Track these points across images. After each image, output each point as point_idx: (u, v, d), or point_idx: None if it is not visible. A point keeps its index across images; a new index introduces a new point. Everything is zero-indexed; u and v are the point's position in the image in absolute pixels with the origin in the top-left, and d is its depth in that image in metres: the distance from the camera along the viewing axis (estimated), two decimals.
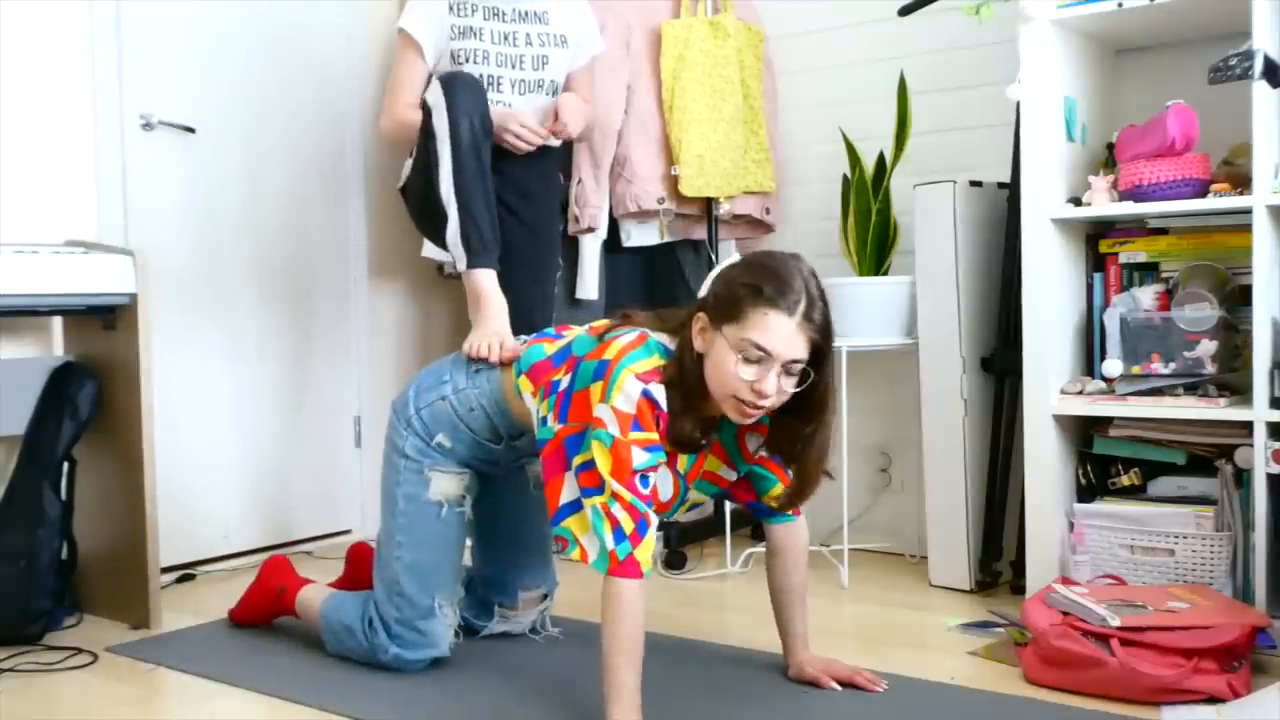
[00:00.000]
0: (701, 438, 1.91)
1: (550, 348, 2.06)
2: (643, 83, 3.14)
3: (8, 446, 2.62)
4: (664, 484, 1.92)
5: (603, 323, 2.04)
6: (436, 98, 2.42)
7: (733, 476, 2.07)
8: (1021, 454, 2.57)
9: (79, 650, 2.37)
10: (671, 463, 1.91)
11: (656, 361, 1.86)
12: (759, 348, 1.77)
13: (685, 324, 1.87)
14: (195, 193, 3.10)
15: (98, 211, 2.88)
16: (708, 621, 2.55)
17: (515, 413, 2.11)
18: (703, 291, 1.91)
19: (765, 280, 1.79)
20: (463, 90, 2.43)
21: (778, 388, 1.79)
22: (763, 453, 2.04)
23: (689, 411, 1.86)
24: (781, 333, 1.77)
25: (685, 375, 1.85)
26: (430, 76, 2.63)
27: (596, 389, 1.85)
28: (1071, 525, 2.49)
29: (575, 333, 2.09)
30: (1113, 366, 2.45)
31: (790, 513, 2.10)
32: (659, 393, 1.84)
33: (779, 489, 2.05)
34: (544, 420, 1.97)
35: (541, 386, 2.01)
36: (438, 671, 2.19)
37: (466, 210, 2.41)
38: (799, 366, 1.80)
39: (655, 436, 1.83)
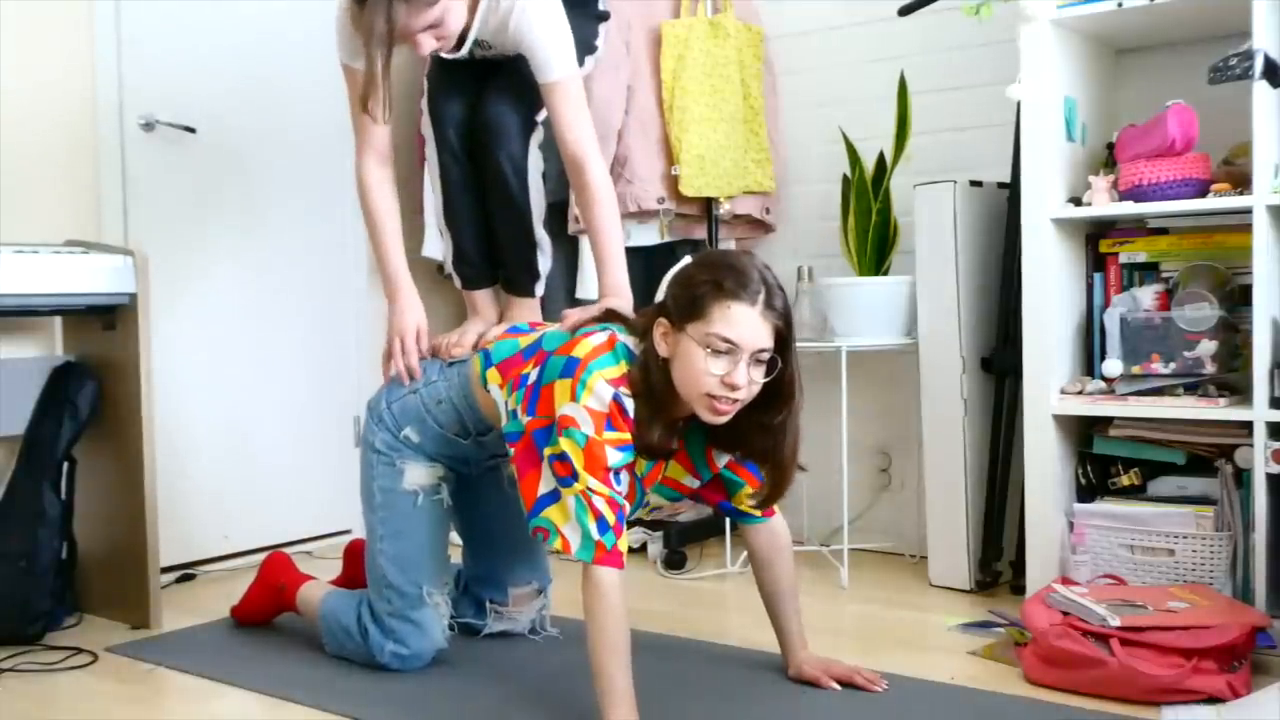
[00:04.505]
0: (670, 443, 1.91)
1: (523, 341, 2.07)
2: (643, 83, 3.14)
3: (8, 446, 2.62)
4: (626, 485, 1.92)
5: (575, 313, 2.05)
6: (429, 131, 2.43)
7: (695, 484, 2.07)
8: (1021, 454, 2.57)
9: (79, 650, 2.37)
10: (630, 466, 1.91)
11: (624, 369, 1.87)
12: (726, 340, 1.77)
13: (649, 330, 1.88)
14: (195, 193, 3.10)
15: (98, 211, 2.88)
16: (708, 621, 2.55)
17: (482, 406, 2.12)
18: (659, 296, 1.91)
19: (723, 275, 1.80)
20: (446, 123, 2.38)
21: (748, 379, 1.80)
22: (731, 458, 2.04)
23: (656, 419, 1.87)
24: (747, 323, 1.78)
25: (651, 381, 1.85)
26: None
27: (565, 385, 1.85)
28: (1071, 525, 2.49)
29: (547, 327, 2.11)
30: (1113, 366, 2.45)
31: (763, 514, 2.10)
32: (627, 401, 1.85)
33: (749, 490, 2.05)
34: (513, 414, 1.97)
35: (510, 379, 2.01)
36: (438, 671, 2.19)
37: (457, 243, 2.46)
38: (766, 355, 1.81)
39: (627, 436, 1.85)
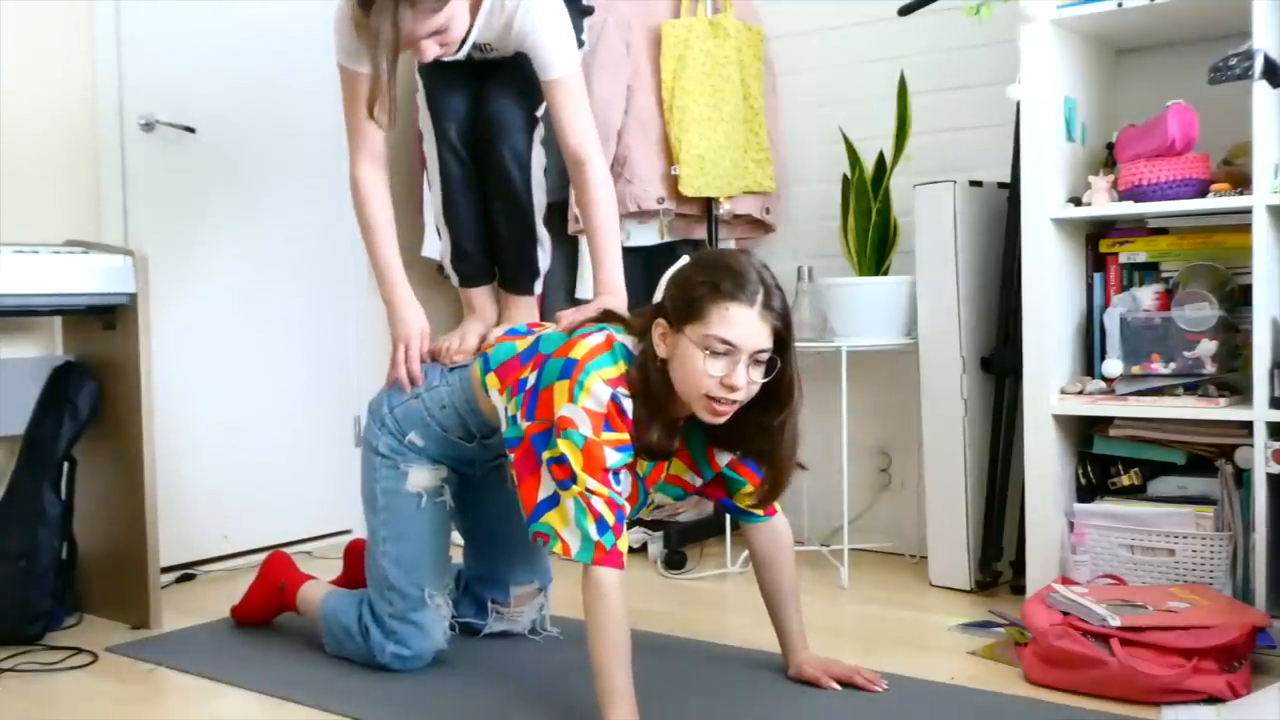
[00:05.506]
0: (669, 443, 1.91)
1: (520, 344, 2.06)
2: (643, 83, 3.14)
3: (8, 446, 2.62)
4: (626, 485, 1.92)
5: (570, 313, 2.05)
6: (427, 127, 2.42)
7: (698, 482, 2.07)
8: (1021, 454, 2.57)
9: (79, 650, 2.37)
10: (631, 466, 1.91)
11: (622, 369, 1.87)
12: (725, 342, 1.77)
13: (647, 330, 1.87)
14: (195, 193, 3.10)
15: (98, 211, 2.88)
16: (708, 621, 2.55)
17: (485, 410, 2.12)
18: (657, 297, 1.91)
19: (721, 276, 1.80)
20: (447, 119, 2.37)
21: (747, 380, 1.80)
22: (732, 457, 2.04)
23: (655, 419, 1.87)
24: (745, 324, 1.78)
25: (650, 382, 1.85)
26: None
27: (563, 387, 1.85)
28: (1071, 525, 2.49)
29: (544, 329, 2.11)
30: (1113, 366, 2.45)
31: (765, 513, 2.10)
32: (626, 402, 1.85)
33: (750, 488, 2.05)
34: (513, 419, 1.97)
35: (509, 385, 2.01)
36: (437, 671, 2.19)
37: (456, 240, 2.44)
38: (765, 356, 1.81)
39: (626, 436, 1.85)
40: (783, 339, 1.83)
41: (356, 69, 2.16)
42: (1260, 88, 2.21)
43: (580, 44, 2.48)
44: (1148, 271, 2.54)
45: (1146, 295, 2.48)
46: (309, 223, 3.38)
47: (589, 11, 2.56)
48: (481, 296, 2.48)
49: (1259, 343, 2.24)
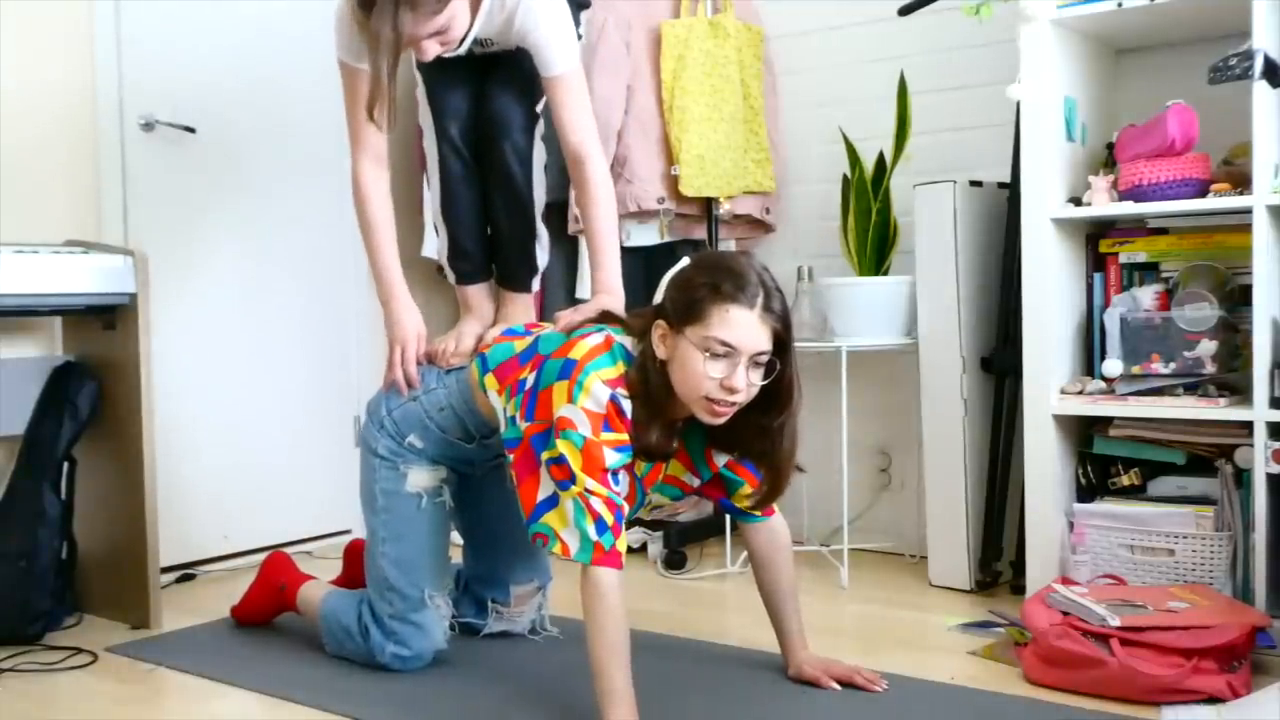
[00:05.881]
0: (668, 444, 1.91)
1: (519, 345, 2.06)
2: (643, 83, 3.14)
3: (8, 446, 2.62)
4: (624, 486, 1.92)
5: (568, 314, 2.05)
6: (427, 123, 2.42)
7: (696, 482, 2.07)
8: (1021, 454, 2.57)
9: (79, 650, 2.37)
10: (629, 467, 1.91)
11: (621, 370, 1.87)
12: (725, 344, 1.77)
13: (646, 331, 1.88)
14: (195, 192, 3.10)
15: (98, 211, 2.88)
16: (708, 621, 2.55)
17: (483, 410, 2.12)
18: (658, 298, 1.91)
19: (722, 278, 1.80)
20: (448, 117, 2.37)
21: (747, 382, 1.80)
22: (730, 458, 2.04)
23: (654, 420, 1.87)
24: (745, 326, 1.78)
25: (649, 383, 1.85)
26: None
27: (562, 388, 1.85)
28: (1071, 525, 2.49)
29: (543, 330, 2.11)
30: (1113, 366, 2.45)
31: (763, 513, 2.10)
32: (625, 403, 1.85)
33: (748, 489, 2.05)
34: (512, 419, 1.97)
35: (508, 385, 2.01)
36: (437, 671, 2.19)
37: (454, 237, 2.44)
38: (765, 358, 1.81)
39: (625, 437, 1.85)
40: (782, 341, 1.83)
41: (357, 66, 2.16)
42: (1260, 88, 2.21)
43: (579, 39, 2.48)
44: (1148, 271, 2.54)
45: (1146, 295, 2.48)
46: (309, 222, 3.38)
47: (586, 5, 2.57)
48: (479, 295, 2.48)
49: (1259, 343, 2.24)
